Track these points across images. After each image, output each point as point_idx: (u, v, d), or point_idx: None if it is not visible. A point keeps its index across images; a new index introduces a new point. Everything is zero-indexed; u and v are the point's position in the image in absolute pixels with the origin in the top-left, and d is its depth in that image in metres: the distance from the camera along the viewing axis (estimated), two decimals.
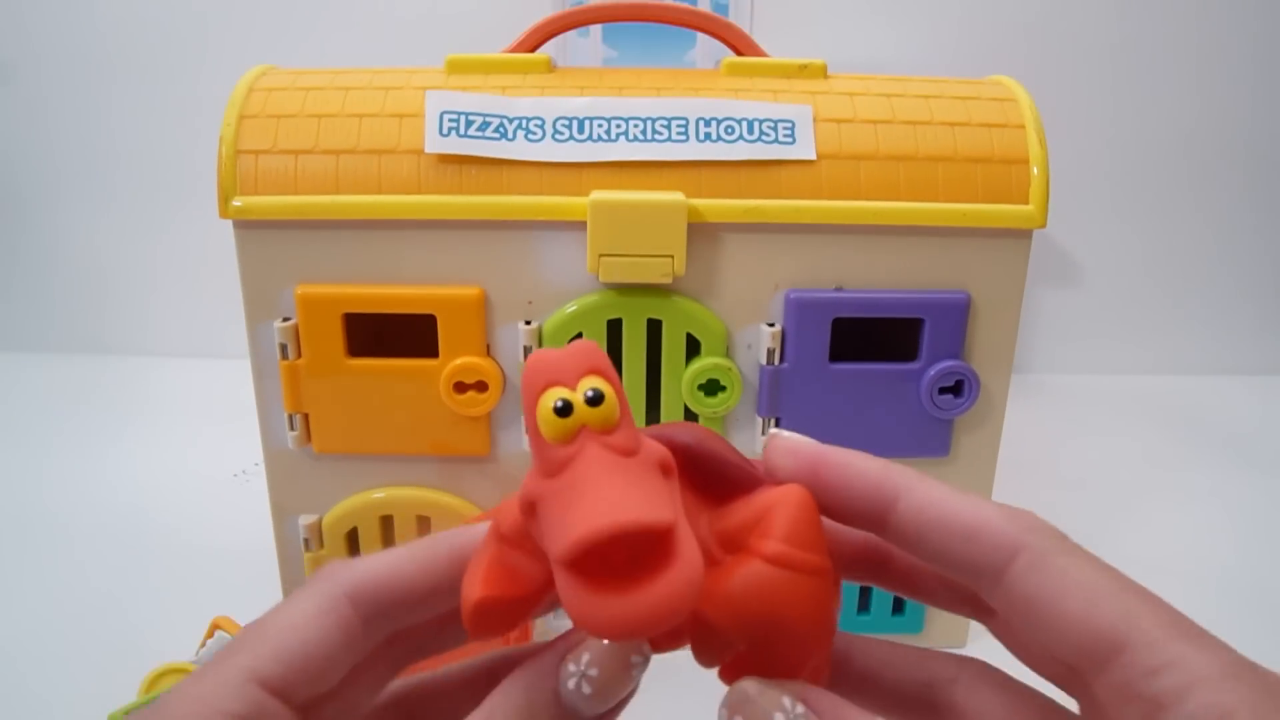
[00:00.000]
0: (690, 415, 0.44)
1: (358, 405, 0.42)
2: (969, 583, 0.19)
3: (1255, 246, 0.88)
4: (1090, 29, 0.81)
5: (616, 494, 0.16)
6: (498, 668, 0.22)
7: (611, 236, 0.40)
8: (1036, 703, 0.20)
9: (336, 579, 0.20)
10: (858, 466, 0.20)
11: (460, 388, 0.42)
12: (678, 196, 0.40)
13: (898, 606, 0.47)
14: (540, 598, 0.19)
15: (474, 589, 0.19)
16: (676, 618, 0.16)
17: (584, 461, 0.17)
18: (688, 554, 0.16)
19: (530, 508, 0.18)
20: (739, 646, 0.19)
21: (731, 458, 0.21)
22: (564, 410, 0.17)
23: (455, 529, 0.21)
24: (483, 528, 0.20)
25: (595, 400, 0.18)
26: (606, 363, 0.18)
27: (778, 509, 0.19)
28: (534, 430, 0.18)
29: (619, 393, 0.18)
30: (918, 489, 0.19)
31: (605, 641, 0.18)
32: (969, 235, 0.41)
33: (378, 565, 0.20)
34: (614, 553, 0.16)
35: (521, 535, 0.19)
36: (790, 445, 0.21)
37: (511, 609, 0.19)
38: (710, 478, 0.21)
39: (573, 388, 0.18)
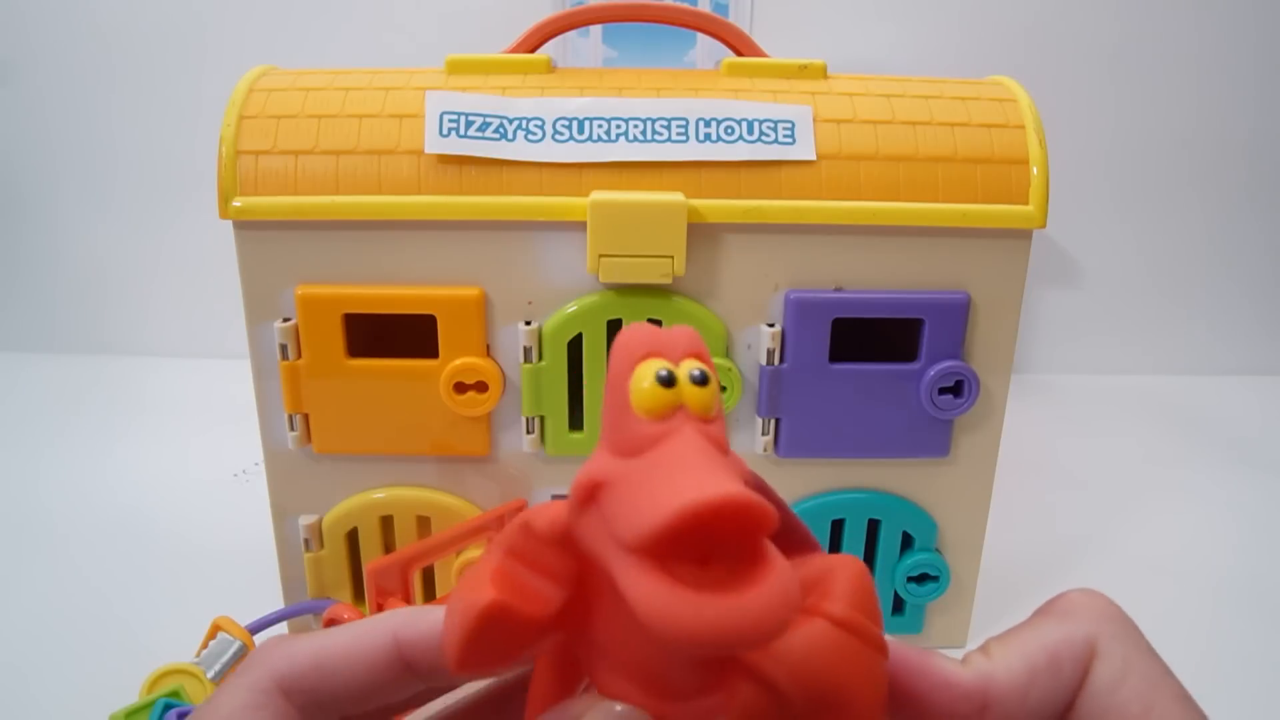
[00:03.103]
0: None
1: (358, 405, 0.42)
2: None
3: (1255, 246, 0.88)
4: (1090, 29, 0.81)
5: (721, 472, 0.14)
6: None
7: (611, 237, 0.40)
8: None
9: (269, 665, 0.18)
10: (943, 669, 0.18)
11: (460, 388, 0.42)
12: (678, 197, 0.40)
13: (897, 606, 0.47)
14: (546, 631, 0.16)
15: (482, 591, 0.16)
16: (779, 630, 0.14)
17: (680, 440, 0.15)
18: (781, 562, 0.14)
19: (592, 491, 0.15)
20: (794, 711, 0.16)
21: (787, 511, 0.18)
22: (668, 380, 0.15)
23: (400, 610, 0.19)
24: (432, 610, 0.18)
25: (702, 380, 0.15)
26: (708, 353, 0.16)
27: (839, 574, 0.17)
28: (620, 402, 0.15)
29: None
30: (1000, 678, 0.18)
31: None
32: (969, 235, 0.41)
33: (311, 652, 0.18)
34: (695, 549, 0.14)
35: (555, 538, 0.16)
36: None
37: (516, 632, 0.16)
38: None
39: (675, 364, 0.16)
